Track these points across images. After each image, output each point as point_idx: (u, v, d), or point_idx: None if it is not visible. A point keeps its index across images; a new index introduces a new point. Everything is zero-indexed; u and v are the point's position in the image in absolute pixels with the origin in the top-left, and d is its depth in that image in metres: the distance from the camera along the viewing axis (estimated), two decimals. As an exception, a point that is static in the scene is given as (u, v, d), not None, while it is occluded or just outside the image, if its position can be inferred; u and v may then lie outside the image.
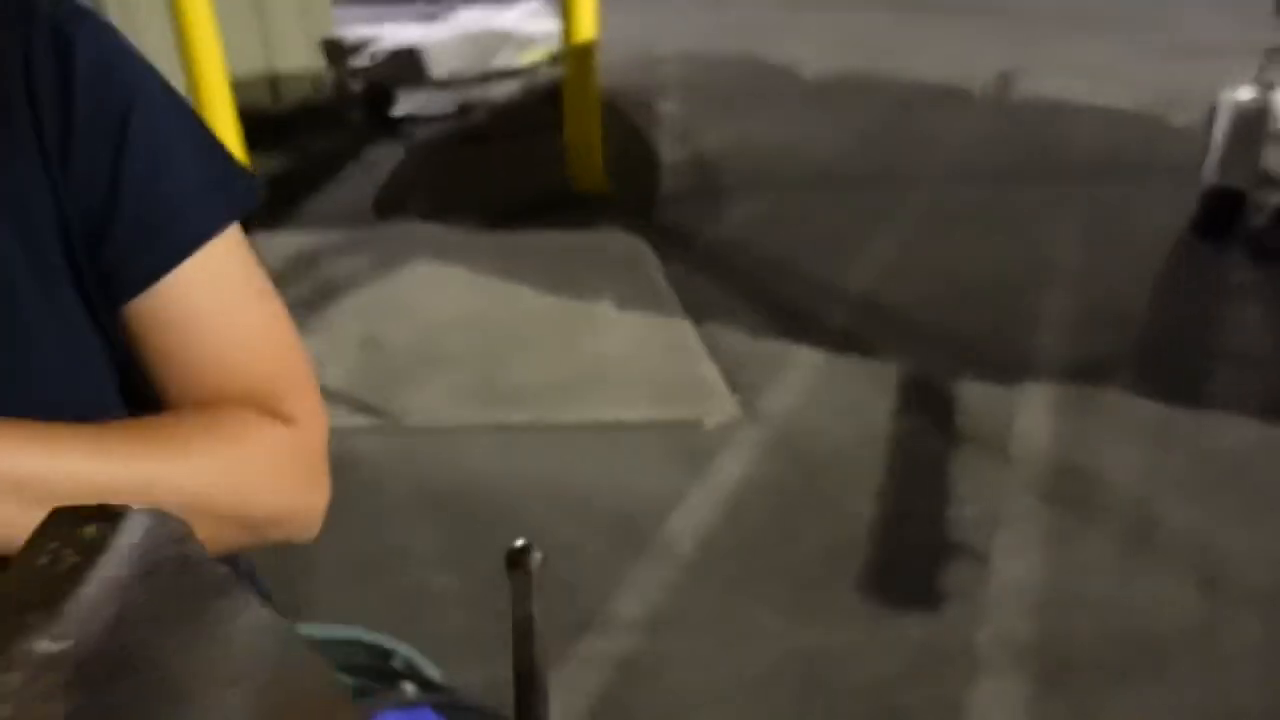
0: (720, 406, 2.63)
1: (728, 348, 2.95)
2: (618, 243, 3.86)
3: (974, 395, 2.67)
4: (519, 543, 0.53)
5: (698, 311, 3.19)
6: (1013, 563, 2.03)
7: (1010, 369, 2.80)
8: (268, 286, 0.53)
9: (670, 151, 5.35)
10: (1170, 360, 2.85)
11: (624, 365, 2.87)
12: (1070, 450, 2.42)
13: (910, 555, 2.09)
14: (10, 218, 0.45)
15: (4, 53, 0.45)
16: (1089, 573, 2.00)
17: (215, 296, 0.50)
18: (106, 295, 0.48)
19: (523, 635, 0.40)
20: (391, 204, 4.59)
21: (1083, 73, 6.77)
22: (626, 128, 5.70)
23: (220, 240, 0.50)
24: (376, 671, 0.70)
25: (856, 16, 9.54)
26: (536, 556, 0.50)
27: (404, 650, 0.72)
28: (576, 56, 4.28)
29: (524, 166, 4.98)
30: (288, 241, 3.88)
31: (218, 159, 0.51)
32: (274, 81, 5.83)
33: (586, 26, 4.19)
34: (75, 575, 0.25)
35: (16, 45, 0.45)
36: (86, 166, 0.46)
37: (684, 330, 3.06)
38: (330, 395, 2.62)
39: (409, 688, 0.68)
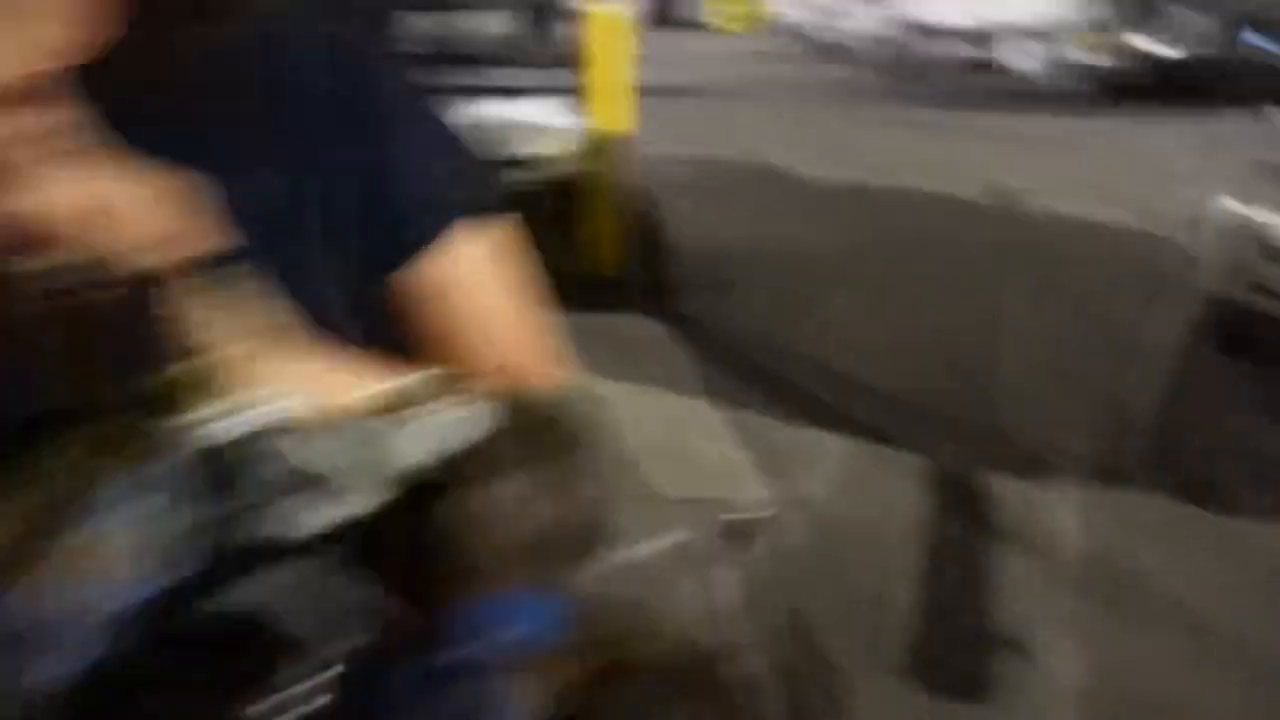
0: (751, 492, 2.64)
1: (753, 433, 2.97)
2: (637, 328, 3.92)
3: (1001, 489, 2.69)
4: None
5: (721, 398, 3.23)
6: (1057, 658, 2.02)
7: (1034, 464, 2.83)
8: (521, 279, 0.57)
9: (683, 244, 5.49)
10: (1189, 461, 2.90)
11: (652, 448, 2.87)
12: (1102, 547, 2.43)
13: (951, 647, 2.07)
14: (289, 187, 0.49)
15: (284, 39, 0.51)
16: (1136, 671, 1.99)
17: (473, 283, 0.55)
18: (371, 269, 0.52)
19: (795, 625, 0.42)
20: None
21: (1076, 189, 7.05)
22: (639, 221, 5.86)
23: (476, 229, 0.56)
24: None
25: (850, 128, 9.94)
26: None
27: None
28: (601, 147, 4.42)
29: (540, 253, 5.08)
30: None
31: (466, 155, 0.58)
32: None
33: (616, 118, 4.35)
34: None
35: (277, 50, 0.51)
36: (361, 150, 0.52)
37: (710, 415, 3.09)
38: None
39: None
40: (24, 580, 0.20)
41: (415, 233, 0.54)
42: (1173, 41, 12.23)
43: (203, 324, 0.26)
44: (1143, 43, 12.35)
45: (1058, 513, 2.59)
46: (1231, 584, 2.28)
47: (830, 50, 17.72)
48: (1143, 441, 3.02)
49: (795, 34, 20.97)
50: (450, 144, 0.58)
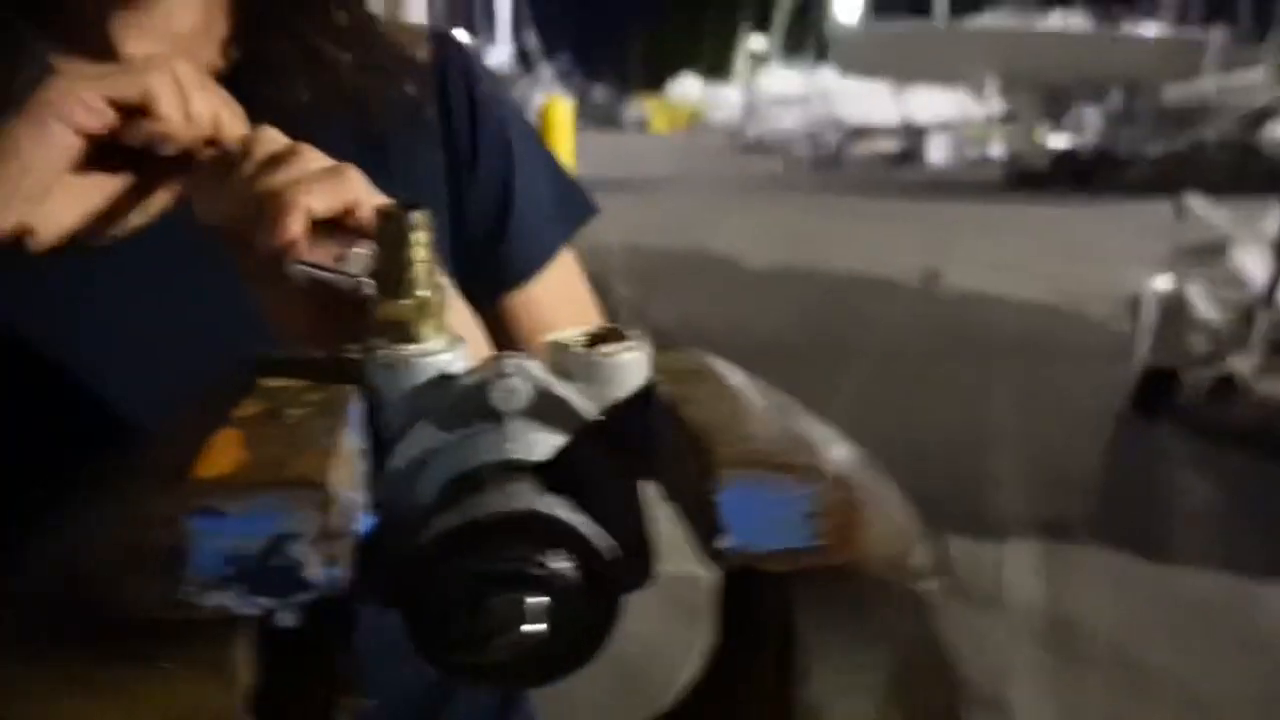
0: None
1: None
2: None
3: (959, 550, 2.74)
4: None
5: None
6: (1027, 709, 2.04)
7: (981, 528, 2.89)
8: (588, 290, 0.59)
9: (624, 328, 5.54)
10: (1130, 520, 2.99)
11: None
12: (1058, 602, 2.48)
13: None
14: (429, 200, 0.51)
15: (422, 64, 0.54)
16: (1091, 714, 2.02)
17: (569, 294, 0.57)
18: (487, 290, 0.54)
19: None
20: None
21: (998, 270, 7.35)
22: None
23: (568, 246, 0.58)
24: None
25: (783, 216, 10.27)
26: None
27: None
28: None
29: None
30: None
31: (565, 173, 0.61)
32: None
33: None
34: None
35: (431, 58, 0.54)
36: (487, 173, 0.55)
37: (655, 493, 3.08)
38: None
39: None
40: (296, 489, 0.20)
41: (535, 253, 0.56)
42: (1078, 135, 13.02)
43: (425, 262, 0.27)
44: (1050, 136, 13.13)
45: (1011, 570, 2.64)
46: (1174, 630, 2.35)
47: (760, 147, 18.40)
48: (1084, 500, 3.11)
49: (725, 132, 21.72)
50: (554, 161, 0.60)
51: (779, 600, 0.25)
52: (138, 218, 0.42)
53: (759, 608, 0.27)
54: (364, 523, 0.24)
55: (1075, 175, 12.44)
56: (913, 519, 0.27)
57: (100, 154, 0.40)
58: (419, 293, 0.26)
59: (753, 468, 0.22)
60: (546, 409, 0.25)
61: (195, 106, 0.39)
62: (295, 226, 0.36)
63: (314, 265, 0.36)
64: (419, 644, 0.22)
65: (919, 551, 0.27)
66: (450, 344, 0.26)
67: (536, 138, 0.59)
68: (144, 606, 0.19)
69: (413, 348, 0.25)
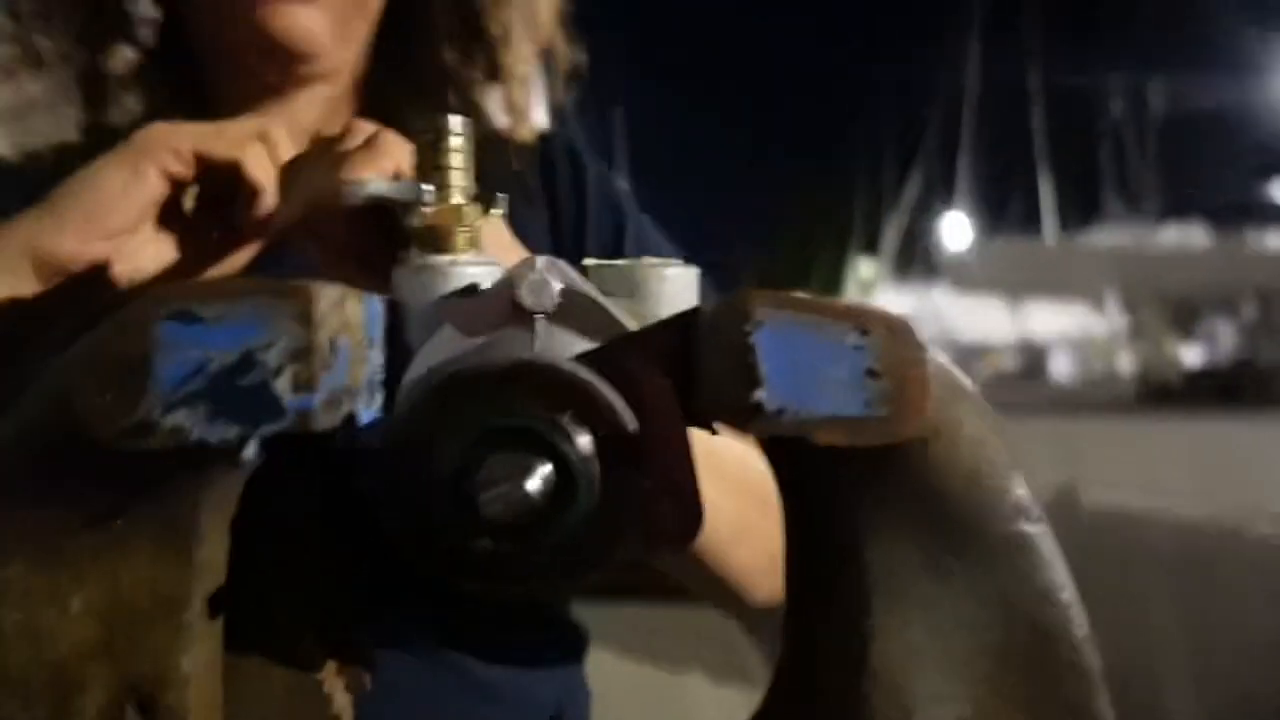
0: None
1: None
2: (706, 619, 3.75)
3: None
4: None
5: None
6: None
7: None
8: None
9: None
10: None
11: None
12: None
13: None
14: None
15: (528, 146, 0.60)
16: None
17: None
18: None
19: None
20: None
21: (1141, 488, 6.87)
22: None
23: None
24: None
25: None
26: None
27: None
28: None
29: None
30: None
31: (671, 247, 0.66)
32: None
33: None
34: None
35: (535, 151, 0.60)
36: (595, 254, 0.56)
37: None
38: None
39: None
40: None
41: None
42: (1211, 347, 12.51)
43: (460, 170, 0.27)
44: (1182, 349, 12.64)
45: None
46: None
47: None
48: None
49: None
50: (663, 239, 0.64)
51: (846, 520, 0.21)
52: (221, 270, 0.44)
53: (825, 529, 0.22)
54: (368, 414, 0.22)
55: (1217, 390, 11.80)
56: (1003, 438, 0.23)
57: (192, 209, 0.43)
58: (452, 200, 0.25)
59: (795, 310, 0.19)
60: (578, 312, 0.23)
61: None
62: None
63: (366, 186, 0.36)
64: (421, 526, 0.19)
65: (1017, 481, 0.22)
66: (484, 261, 0.25)
67: (648, 224, 0.63)
68: (104, 425, 0.17)
69: (443, 257, 0.24)
